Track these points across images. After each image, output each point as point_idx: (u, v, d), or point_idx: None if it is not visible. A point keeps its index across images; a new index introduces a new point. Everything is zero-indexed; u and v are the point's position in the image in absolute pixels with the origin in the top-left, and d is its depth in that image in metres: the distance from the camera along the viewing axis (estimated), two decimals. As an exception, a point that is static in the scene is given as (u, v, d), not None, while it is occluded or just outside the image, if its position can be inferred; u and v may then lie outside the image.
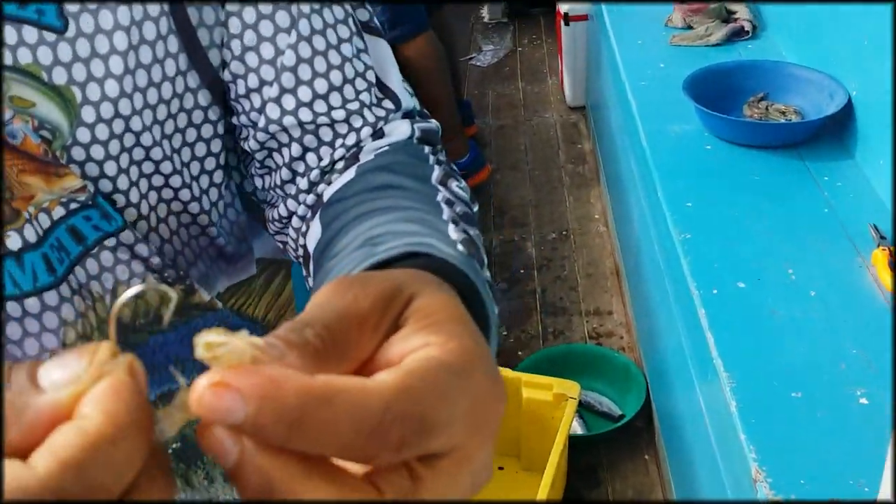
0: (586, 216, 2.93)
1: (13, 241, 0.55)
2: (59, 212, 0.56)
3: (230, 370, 0.28)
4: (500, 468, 2.01)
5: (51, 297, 0.57)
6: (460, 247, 0.47)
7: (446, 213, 0.53)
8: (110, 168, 0.57)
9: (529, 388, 1.87)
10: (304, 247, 0.61)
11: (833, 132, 1.59)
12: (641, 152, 1.64)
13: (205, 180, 0.64)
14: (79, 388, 0.27)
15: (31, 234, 0.55)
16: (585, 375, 2.11)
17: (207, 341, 0.28)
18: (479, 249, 0.51)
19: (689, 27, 2.17)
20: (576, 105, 3.57)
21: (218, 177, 0.65)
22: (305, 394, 0.28)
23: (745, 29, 2.11)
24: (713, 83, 1.71)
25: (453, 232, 0.49)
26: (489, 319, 0.44)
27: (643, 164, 1.64)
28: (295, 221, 0.63)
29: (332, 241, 0.54)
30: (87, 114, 0.56)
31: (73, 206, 0.56)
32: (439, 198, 0.55)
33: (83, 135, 0.56)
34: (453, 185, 0.58)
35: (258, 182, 0.67)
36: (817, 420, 1.06)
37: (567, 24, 3.27)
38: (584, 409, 2.11)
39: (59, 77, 0.54)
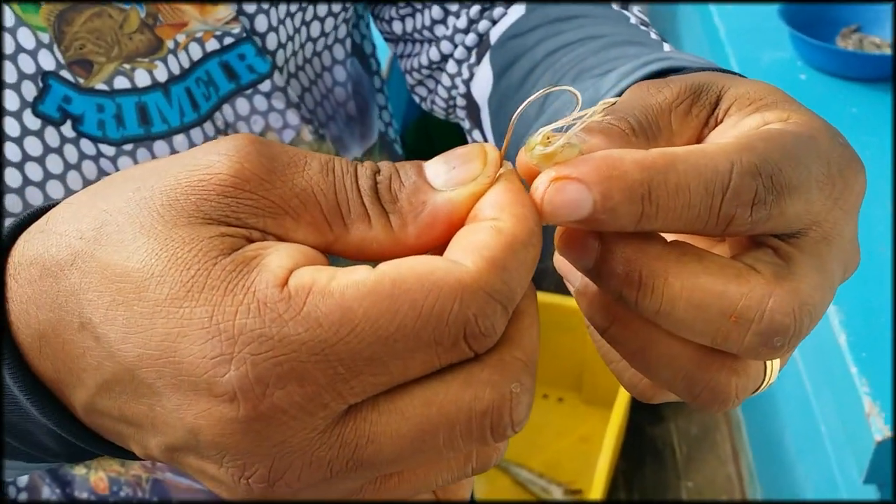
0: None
1: (160, 72, 0.51)
2: (212, 44, 0.52)
3: (559, 165, 0.27)
4: (560, 399, 2.00)
5: (197, 135, 0.54)
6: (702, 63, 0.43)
7: (653, 34, 0.48)
8: (250, 6, 0.54)
9: (597, 320, 1.84)
10: (467, 95, 0.57)
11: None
12: (731, 81, 1.58)
13: (331, 36, 0.61)
14: (476, 189, 0.27)
15: (175, 66, 0.52)
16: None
17: (546, 133, 0.27)
18: None
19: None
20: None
21: (342, 31, 0.61)
22: (647, 164, 0.26)
23: (834, -42, 2.02)
24: (805, 12, 1.64)
25: (682, 53, 0.44)
26: None
27: (733, 93, 1.58)
28: (450, 66, 0.59)
29: (521, 84, 0.50)
30: None
31: (228, 41, 0.53)
32: (633, 21, 0.50)
33: None
34: (635, 9, 0.53)
35: (397, 27, 0.63)
36: (930, 357, 1.03)
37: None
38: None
39: None
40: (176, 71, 0.52)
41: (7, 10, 0.47)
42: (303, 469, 0.25)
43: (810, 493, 1.31)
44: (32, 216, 0.29)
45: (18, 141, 0.49)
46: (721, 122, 0.31)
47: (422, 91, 0.64)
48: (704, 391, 0.29)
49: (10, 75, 0.48)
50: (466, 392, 0.25)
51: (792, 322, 0.27)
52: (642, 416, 1.98)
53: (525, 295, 0.26)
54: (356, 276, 0.24)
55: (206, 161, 0.26)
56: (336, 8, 0.60)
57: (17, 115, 0.49)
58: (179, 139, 0.53)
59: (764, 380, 0.30)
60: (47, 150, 0.49)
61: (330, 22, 0.60)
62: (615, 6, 0.53)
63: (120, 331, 0.24)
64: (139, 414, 0.26)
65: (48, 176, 0.50)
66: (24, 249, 0.27)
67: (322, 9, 0.59)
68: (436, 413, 0.25)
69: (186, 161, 0.26)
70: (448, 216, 0.26)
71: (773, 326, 0.27)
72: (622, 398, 1.69)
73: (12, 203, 0.50)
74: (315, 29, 0.59)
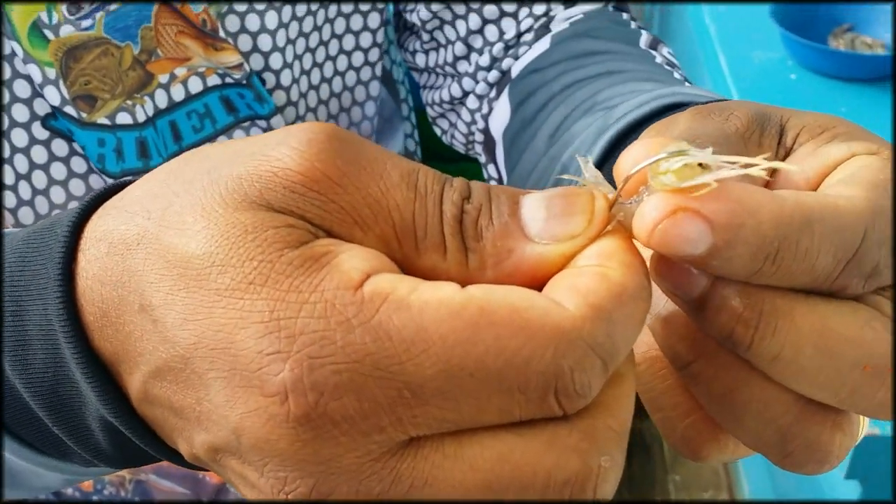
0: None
1: (149, 107, 0.51)
2: (214, 80, 0.52)
3: (683, 192, 0.23)
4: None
5: None
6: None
7: (676, 74, 0.46)
8: (264, 42, 0.53)
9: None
10: (485, 130, 0.57)
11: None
12: (721, 80, 1.59)
13: (366, 72, 0.59)
14: (572, 250, 0.23)
15: (163, 100, 0.51)
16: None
17: (689, 164, 0.23)
18: None
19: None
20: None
21: (367, 72, 0.60)
22: (784, 221, 0.23)
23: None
24: (797, 12, 1.65)
25: (696, 90, 0.41)
26: None
27: (724, 92, 1.59)
28: (471, 101, 0.58)
29: (534, 117, 0.49)
30: None
31: (229, 80, 0.52)
32: (658, 60, 0.49)
33: (240, 6, 0.52)
34: (664, 50, 0.52)
35: (420, 59, 0.62)
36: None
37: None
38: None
39: None
40: (163, 105, 0.51)
41: (16, 46, 0.48)
42: (348, 495, 0.22)
43: (792, 488, 1.33)
44: (111, 190, 0.28)
45: (25, 151, 0.50)
46: (791, 150, 0.28)
47: (443, 124, 0.62)
48: (800, 448, 0.26)
49: (25, 91, 0.49)
50: (548, 455, 0.22)
51: None
52: (631, 411, 2.00)
53: (626, 357, 0.24)
54: (440, 294, 0.22)
55: (276, 153, 0.24)
56: (365, 42, 0.57)
57: (26, 126, 0.49)
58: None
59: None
60: (52, 157, 0.50)
61: (358, 56, 0.58)
62: (643, 40, 0.52)
63: (178, 316, 0.23)
64: (187, 406, 0.24)
65: (52, 182, 0.51)
66: (97, 225, 0.26)
67: (349, 42, 0.57)
68: (509, 472, 0.22)
69: (257, 149, 0.25)
70: (533, 271, 0.23)
71: None
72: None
73: (25, 215, 0.50)
74: (342, 63, 0.57)
